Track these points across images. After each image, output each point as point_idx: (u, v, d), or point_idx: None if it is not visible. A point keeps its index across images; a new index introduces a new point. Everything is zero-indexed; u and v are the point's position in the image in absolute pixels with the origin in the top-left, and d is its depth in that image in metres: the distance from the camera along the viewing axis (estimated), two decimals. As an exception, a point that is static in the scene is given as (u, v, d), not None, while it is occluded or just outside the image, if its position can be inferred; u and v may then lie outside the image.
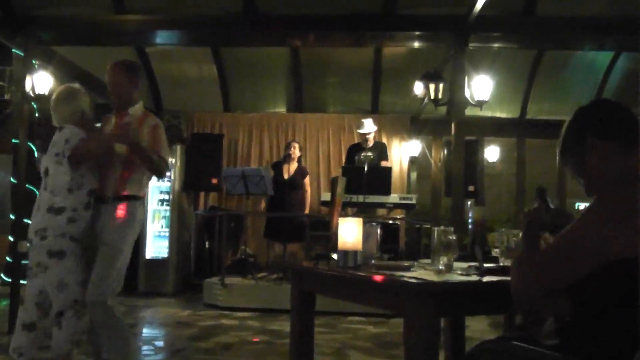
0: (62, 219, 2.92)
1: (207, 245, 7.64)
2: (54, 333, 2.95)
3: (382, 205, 6.67)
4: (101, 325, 2.97)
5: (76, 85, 3.27)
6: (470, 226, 7.73)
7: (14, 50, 5.32)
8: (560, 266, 1.48)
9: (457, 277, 1.86)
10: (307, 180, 7.13)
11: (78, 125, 3.07)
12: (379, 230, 2.40)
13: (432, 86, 5.92)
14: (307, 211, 7.09)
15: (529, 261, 1.56)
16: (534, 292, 1.53)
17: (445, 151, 7.30)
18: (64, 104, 3.13)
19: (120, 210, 3.06)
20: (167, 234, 7.45)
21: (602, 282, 1.41)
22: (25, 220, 6.18)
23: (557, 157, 1.70)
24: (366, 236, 2.25)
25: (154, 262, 7.35)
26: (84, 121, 3.12)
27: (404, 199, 6.74)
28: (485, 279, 1.85)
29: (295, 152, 6.98)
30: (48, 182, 3.00)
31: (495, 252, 2.54)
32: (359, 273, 1.95)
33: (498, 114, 8.06)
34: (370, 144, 6.77)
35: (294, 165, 6.92)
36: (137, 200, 3.13)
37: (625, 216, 1.38)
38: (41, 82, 6.11)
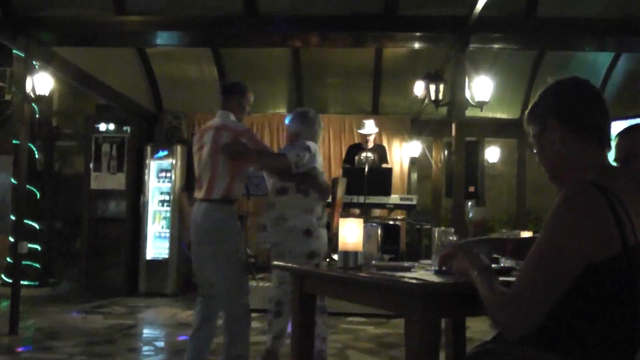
0: None
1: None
2: None
3: (382, 206, 6.67)
4: None
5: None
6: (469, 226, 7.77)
7: (14, 51, 5.32)
8: (550, 288, 1.35)
9: (458, 278, 1.85)
10: None
11: None
12: (379, 231, 2.40)
13: (432, 87, 5.92)
14: None
15: (513, 299, 1.39)
16: (532, 323, 1.38)
17: (446, 152, 7.29)
18: None
19: None
20: (168, 235, 7.45)
21: (585, 285, 1.36)
22: (25, 221, 6.19)
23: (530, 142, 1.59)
24: (367, 237, 2.25)
25: (155, 262, 7.36)
26: None
27: (405, 199, 6.73)
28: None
29: None
30: None
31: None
32: (360, 274, 1.95)
33: (499, 115, 8.05)
34: (371, 145, 6.76)
35: None
36: None
37: (594, 216, 1.32)
38: (42, 83, 6.11)
